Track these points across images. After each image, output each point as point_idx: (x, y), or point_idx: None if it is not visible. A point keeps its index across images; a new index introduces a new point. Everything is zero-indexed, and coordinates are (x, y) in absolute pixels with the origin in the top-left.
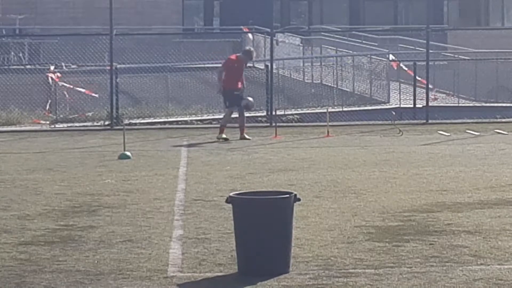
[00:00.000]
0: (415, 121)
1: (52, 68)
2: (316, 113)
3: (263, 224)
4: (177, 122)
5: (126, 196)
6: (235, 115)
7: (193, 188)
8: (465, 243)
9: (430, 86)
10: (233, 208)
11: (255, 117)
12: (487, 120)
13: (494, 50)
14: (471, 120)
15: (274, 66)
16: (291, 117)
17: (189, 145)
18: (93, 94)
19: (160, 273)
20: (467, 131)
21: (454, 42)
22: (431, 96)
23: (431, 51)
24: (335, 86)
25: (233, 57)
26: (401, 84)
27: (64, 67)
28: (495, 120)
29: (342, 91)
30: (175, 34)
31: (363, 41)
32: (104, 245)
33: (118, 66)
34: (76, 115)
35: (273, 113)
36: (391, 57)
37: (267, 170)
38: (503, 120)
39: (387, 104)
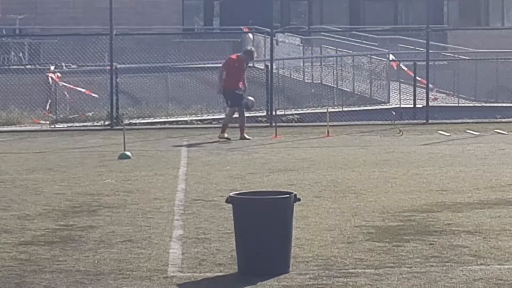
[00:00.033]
0: (415, 121)
1: (52, 68)
2: (316, 113)
3: (263, 224)
4: (177, 122)
5: (126, 196)
6: (236, 115)
7: (193, 188)
8: (465, 243)
9: (430, 85)
10: (233, 208)
11: (255, 117)
12: (487, 120)
13: (494, 50)
14: (471, 120)
15: (274, 66)
16: (291, 117)
17: (189, 145)
18: (93, 94)
19: (160, 273)
20: (467, 131)
21: (454, 42)
22: (431, 96)
23: (431, 51)
24: (335, 86)
25: (234, 56)
26: (401, 84)
27: (64, 67)
28: (495, 120)
29: (342, 91)
30: (175, 34)
31: (363, 41)
32: (104, 245)
33: (118, 66)
34: (76, 115)
35: (273, 113)
36: (391, 57)
37: (267, 170)
38: (503, 120)
39: (387, 104)
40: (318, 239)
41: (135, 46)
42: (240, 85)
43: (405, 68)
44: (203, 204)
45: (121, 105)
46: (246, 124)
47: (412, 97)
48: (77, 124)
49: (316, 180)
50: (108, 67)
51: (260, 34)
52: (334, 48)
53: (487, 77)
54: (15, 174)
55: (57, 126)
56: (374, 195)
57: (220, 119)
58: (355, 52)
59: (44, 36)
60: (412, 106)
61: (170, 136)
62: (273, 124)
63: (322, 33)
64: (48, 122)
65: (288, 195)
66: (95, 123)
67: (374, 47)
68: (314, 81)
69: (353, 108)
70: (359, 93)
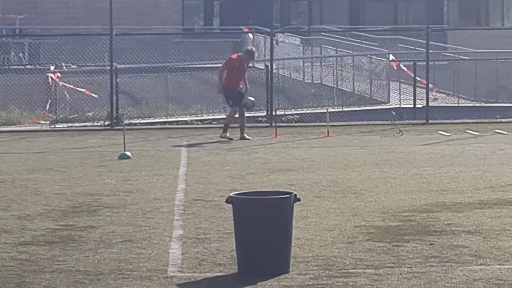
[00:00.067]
0: (415, 121)
1: (52, 68)
2: (316, 113)
3: (263, 224)
4: (177, 122)
5: (126, 196)
6: (236, 114)
7: (193, 188)
8: (465, 243)
9: (430, 85)
10: (233, 208)
11: (255, 117)
12: (487, 120)
13: (494, 50)
14: (471, 120)
15: (274, 66)
16: (291, 117)
17: (189, 145)
18: (93, 94)
19: (160, 273)
20: (467, 131)
21: (454, 42)
22: (431, 96)
23: (431, 51)
24: (335, 86)
25: (234, 56)
26: (401, 84)
27: (64, 67)
28: (495, 120)
29: (342, 91)
30: (175, 34)
31: (363, 41)
32: (104, 245)
33: (118, 66)
34: (76, 115)
35: (273, 113)
36: (391, 57)
37: (267, 170)
38: (503, 120)
39: (387, 104)
40: (318, 239)
41: (135, 46)
42: (241, 85)
43: (405, 69)
44: (203, 204)
45: (121, 105)
46: (246, 124)
47: (412, 97)
48: (77, 124)
49: (316, 180)
50: (108, 67)
51: (260, 34)
52: (334, 48)
53: (487, 77)
54: (15, 174)
55: (57, 126)
56: (374, 195)
57: (220, 119)
58: (355, 52)
59: (44, 36)
60: (412, 106)
61: (170, 136)
62: (273, 124)
63: (322, 33)
64: (48, 122)
65: (288, 195)
66: (95, 123)
67: (374, 47)
68: (314, 81)
69: (353, 108)
70: (359, 93)
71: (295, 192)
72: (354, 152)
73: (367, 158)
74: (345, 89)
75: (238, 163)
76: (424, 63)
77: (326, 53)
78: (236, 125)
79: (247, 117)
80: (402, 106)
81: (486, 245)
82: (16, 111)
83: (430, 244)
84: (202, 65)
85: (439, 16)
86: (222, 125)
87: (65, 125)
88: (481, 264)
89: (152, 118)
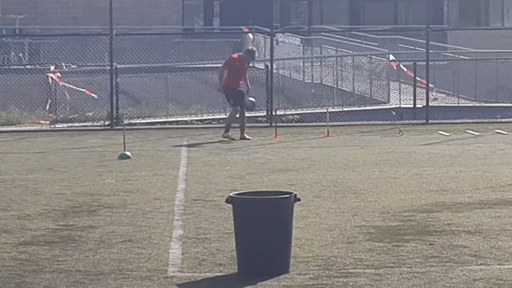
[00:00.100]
0: (415, 121)
1: (52, 68)
2: (316, 113)
3: (263, 224)
4: (177, 122)
5: (126, 196)
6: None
7: (193, 188)
8: (465, 243)
9: (430, 85)
10: (233, 208)
11: (255, 117)
12: (487, 120)
13: (494, 50)
14: (471, 120)
15: (274, 66)
16: (291, 117)
17: (189, 145)
18: (93, 94)
19: (160, 273)
20: (467, 131)
21: (454, 42)
22: (431, 96)
23: (431, 51)
24: (335, 86)
25: (235, 56)
26: (401, 84)
27: (64, 67)
28: (495, 120)
29: (342, 91)
30: (175, 34)
31: (363, 41)
32: (104, 245)
33: (118, 66)
34: (76, 115)
35: (273, 113)
36: (391, 57)
37: (267, 170)
38: (503, 120)
39: (387, 104)
40: (318, 239)
41: (135, 46)
42: (241, 85)
43: (405, 69)
44: (203, 204)
45: (121, 105)
46: (246, 124)
47: (412, 97)
48: (77, 124)
49: (316, 180)
50: (108, 67)
51: (260, 34)
52: (334, 48)
53: (487, 77)
54: (15, 174)
55: (57, 126)
56: (374, 195)
57: (220, 119)
58: (355, 52)
59: (44, 36)
60: (412, 106)
61: (170, 136)
62: (273, 124)
63: (322, 33)
64: (48, 122)
65: (288, 195)
66: (95, 123)
67: (374, 47)
68: (314, 81)
69: (353, 108)
70: (359, 93)
71: (295, 192)
72: (354, 152)
73: (367, 158)
74: (345, 89)
75: (238, 163)
76: (424, 63)
77: (326, 53)
78: (236, 125)
79: (247, 117)
80: (402, 106)
81: (486, 245)
82: (16, 111)
83: (430, 244)
84: (202, 65)
85: (439, 16)
86: (222, 125)
87: (65, 125)
88: (481, 264)
89: (152, 118)
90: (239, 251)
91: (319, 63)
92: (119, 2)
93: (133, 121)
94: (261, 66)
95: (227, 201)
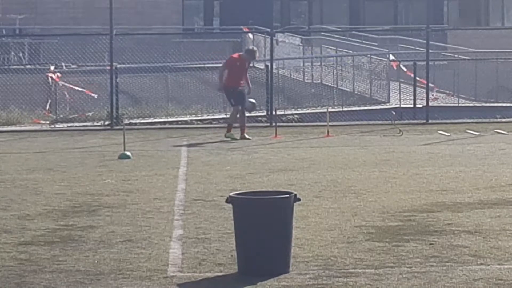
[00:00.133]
0: (415, 121)
1: (52, 68)
2: (316, 113)
3: (263, 224)
4: (177, 122)
5: (126, 196)
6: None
7: (193, 188)
8: (465, 243)
9: (431, 85)
10: (233, 208)
11: (255, 117)
12: (487, 120)
13: (494, 50)
14: (471, 120)
15: (274, 66)
16: (291, 117)
17: (189, 145)
18: (93, 94)
19: (160, 273)
20: (467, 131)
21: (454, 42)
22: (431, 96)
23: (431, 51)
24: (335, 86)
25: (235, 55)
26: (401, 84)
27: (64, 67)
28: (495, 120)
29: (342, 91)
30: (175, 34)
31: (363, 41)
32: (104, 245)
33: (118, 66)
34: (76, 115)
35: (273, 113)
36: (391, 57)
37: (267, 170)
38: (503, 120)
39: (387, 104)
40: (318, 239)
41: (135, 46)
42: (242, 84)
43: (405, 69)
44: (203, 204)
45: (121, 105)
46: (246, 124)
47: (412, 97)
48: (77, 124)
49: (316, 180)
50: (108, 67)
51: (260, 34)
52: (334, 48)
53: (487, 77)
54: (15, 174)
55: (57, 126)
56: (374, 195)
57: (220, 119)
58: (355, 52)
59: (44, 36)
60: (412, 106)
61: (170, 136)
62: (273, 124)
63: (322, 33)
64: (48, 122)
65: (288, 195)
66: (95, 123)
67: (374, 47)
68: (314, 81)
69: (353, 108)
70: (359, 93)
71: (295, 192)
72: (354, 152)
73: (367, 158)
74: (345, 89)
75: (238, 163)
76: (424, 63)
77: (326, 53)
78: (236, 125)
79: (247, 117)
80: (402, 106)
81: (486, 245)
82: (16, 111)
83: (430, 244)
84: (202, 65)
85: (439, 16)
86: (222, 125)
87: (65, 125)
88: (481, 264)
89: (152, 118)
90: (239, 251)
91: (319, 63)
92: (119, 2)
93: (133, 121)
94: (261, 66)
95: (227, 201)
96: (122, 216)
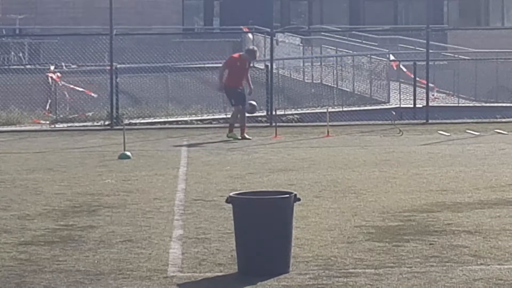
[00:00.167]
0: (415, 121)
1: (52, 68)
2: (316, 113)
3: (263, 224)
4: (177, 122)
5: (126, 196)
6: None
7: (193, 188)
8: (465, 243)
9: (431, 85)
10: (233, 208)
11: (255, 117)
12: (487, 120)
13: (494, 50)
14: (471, 120)
15: (274, 66)
16: (291, 117)
17: (189, 145)
18: (92, 94)
19: (160, 273)
20: (467, 131)
21: (454, 42)
22: (431, 96)
23: (431, 51)
24: (335, 86)
25: (236, 55)
26: (401, 84)
27: (64, 67)
28: (495, 120)
29: (342, 91)
30: (175, 34)
31: (363, 41)
32: (104, 245)
33: (118, 66)
34: (76, 115)
35: (273, 113)
36: (391, 57)
37: (267, 170)
38: (503, 120)
39: (387, 104)
40: (318, 239)
41: (135, 46)
42: (242, 84)
43: (405, 69)
44: (203, 204)
45: (121, 105)
46: (246, 124)
47: (412, 97)
48: (77, 124)
49: (316, 180)
50: (108, 67)
51: (260, 34)
52: (334, 48)
53: (487, 77)
54: (15, 174)
55: (57, 126)
56: (374, 195)
57: (220, 119)
58: (355, 52)
59: (44, 36)
60: (412, 106)
61: (170, 136)
62: (273, 124)
63: (322, 33)
64: (48, 122)
65: (288, 195)
66: (95, 123)
67: (374, 47)
68: (314, 81)
69: (353, 108)
70: (359, 93)
71: (295, 192)
72: (354, 152)
73: (367, 158)
74: (345, 89)
75: (238, 163)
76: (424, 63)
77: (326, 53)
78: (237, 125)
79: (247, 117)
80: (402, 106)
81: (486, 245)
82: (16, 111)
83: (430, 244)
84: (202, 65)
85: (439, 16)
86: (222, 125)
87: (65, 125)
88: (481, 264)
89: (152, 118)
90: (239, 251)
91: (319, 63)
92: (119, 2)
93: (133, 121)
94: (261, 66)
95: (227, 201)
96: (122, 216)
